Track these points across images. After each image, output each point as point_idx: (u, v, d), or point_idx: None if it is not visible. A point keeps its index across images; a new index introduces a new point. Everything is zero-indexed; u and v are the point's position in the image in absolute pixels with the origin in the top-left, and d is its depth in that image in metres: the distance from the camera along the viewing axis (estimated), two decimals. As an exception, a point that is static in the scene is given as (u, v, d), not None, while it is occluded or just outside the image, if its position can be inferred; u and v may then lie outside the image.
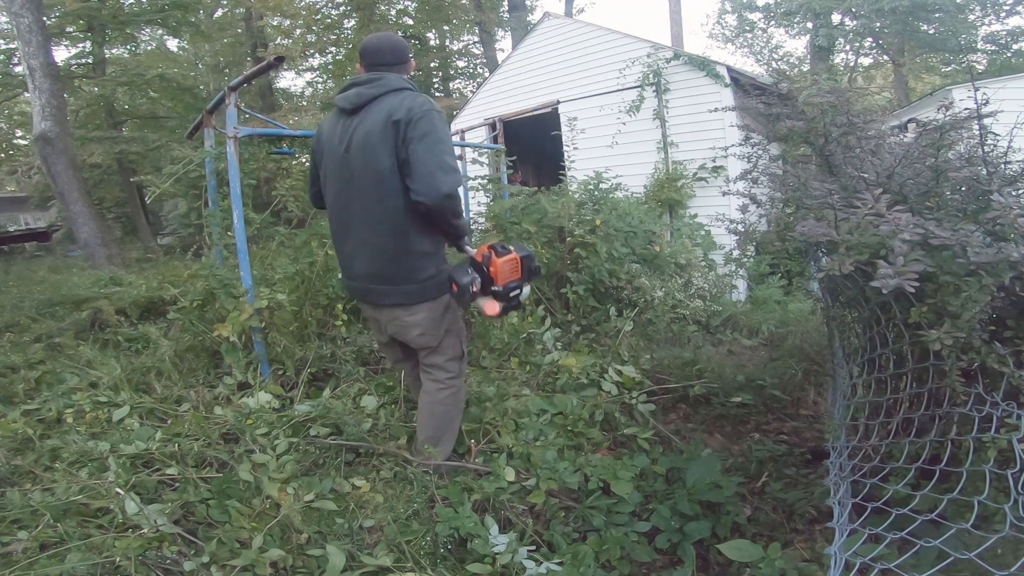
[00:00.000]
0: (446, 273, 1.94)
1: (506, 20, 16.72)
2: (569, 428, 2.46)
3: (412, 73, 2.02)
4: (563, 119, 7.13)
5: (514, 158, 5.26)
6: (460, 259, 2.03)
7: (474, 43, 19.06)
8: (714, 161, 6.65)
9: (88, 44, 11.87)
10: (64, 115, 7.86)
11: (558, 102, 7.99)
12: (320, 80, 19.49)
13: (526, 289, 1.99)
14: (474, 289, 1.85)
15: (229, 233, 2.92)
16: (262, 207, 3.22)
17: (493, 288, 1.90)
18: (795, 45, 26.24)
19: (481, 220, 4.66)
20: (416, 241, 1.86)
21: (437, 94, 18.37)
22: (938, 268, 1.17)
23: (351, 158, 1.84)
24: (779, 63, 22.18)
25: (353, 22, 15.87)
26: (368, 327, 3.13)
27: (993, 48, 17.00)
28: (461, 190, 4.84)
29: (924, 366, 1.40)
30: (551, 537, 1.86)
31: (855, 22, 17.72)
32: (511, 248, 1.96)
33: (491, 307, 1.93)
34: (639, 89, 7.08)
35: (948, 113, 1.73)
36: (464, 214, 1.89)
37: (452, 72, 19.88)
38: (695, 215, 6.80)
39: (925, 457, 1.33)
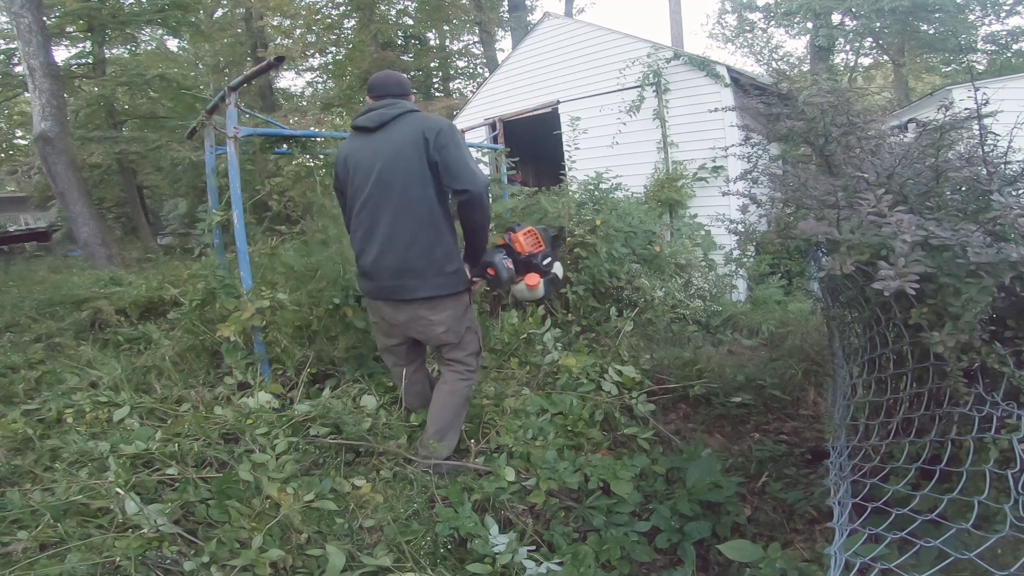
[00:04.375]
0: (463, 267, 2.12)
1: (506, 20, 16.72)
2: (569, 428, 2.46)
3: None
4: (563, 119, 7.14)
5: (516, 159, 5.25)
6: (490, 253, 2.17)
7: (474, 43, 19.06)
8: (714, 161, 6.65)
9: (88, 44, 11.88)
10: (64, 115, 7.87)
11: (558, 102, 7.99)
12: (320, 80, 19.49)
13: (558, 264, 2.13)
14: (508, 264, 2.00)
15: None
16: (263, 207, 3.23)
17: (521, 258, 2.03)
18: (795, 45, 26.30)
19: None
20: (443, 235, 2.05)
21: (437, 94, 18.36)
22: (938, 269, 1.17)
23: (382, 166, 2.04)
24: (779, 63, 22.17)
25: (353, 22, 15.88)
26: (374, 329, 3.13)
27: (993, 48, 17.01)
28: None
29: (924, 366, 1.40)
30: (551, 537, 1.86)
31: (855, 22, 17.72)
32: (523, 224, 2.12)
33: (531, 279, 2.05)
34: (639, 89, 7.08)
35: (948, 113, 1.72)
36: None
37: (452, 72, 19.86)
38: (695, 215, 6.80)
39: (925, 457, 1.33)
